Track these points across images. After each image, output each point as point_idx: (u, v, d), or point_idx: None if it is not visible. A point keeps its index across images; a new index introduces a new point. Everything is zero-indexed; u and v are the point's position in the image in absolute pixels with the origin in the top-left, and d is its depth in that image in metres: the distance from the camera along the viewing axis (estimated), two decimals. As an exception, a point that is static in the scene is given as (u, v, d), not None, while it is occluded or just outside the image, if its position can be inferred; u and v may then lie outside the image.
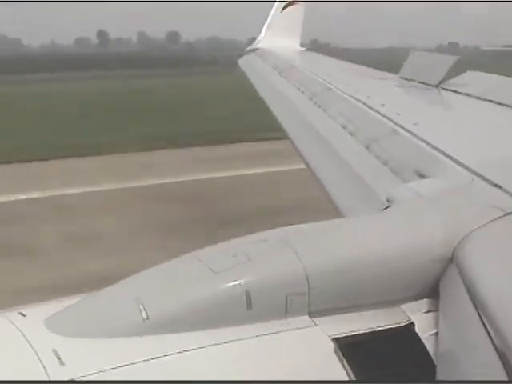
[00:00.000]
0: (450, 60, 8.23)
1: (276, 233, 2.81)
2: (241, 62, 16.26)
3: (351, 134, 6.13)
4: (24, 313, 2.49)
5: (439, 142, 4.63)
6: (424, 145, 4.74)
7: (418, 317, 2.78)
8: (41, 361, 2.23)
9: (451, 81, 7.93)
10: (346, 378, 2.46)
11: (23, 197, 20.55)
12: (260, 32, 18.33)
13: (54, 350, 2.27)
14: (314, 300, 2.60)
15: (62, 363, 2.23)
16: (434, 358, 2.62)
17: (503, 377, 2.21)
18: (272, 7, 18.55)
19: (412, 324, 2.73)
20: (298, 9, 18.03)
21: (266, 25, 18.02)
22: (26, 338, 2.32)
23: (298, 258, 2.61)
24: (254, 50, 17.01)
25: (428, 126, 5.51)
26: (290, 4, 18.06)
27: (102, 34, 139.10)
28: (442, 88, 7.79)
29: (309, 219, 3.13)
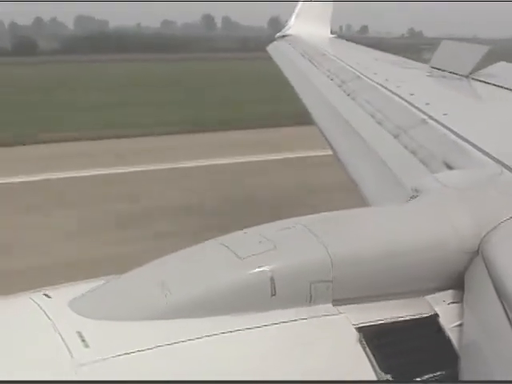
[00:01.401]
0: (481, 50, 8.13)
1: (302, 220, 2.81)
2: (270, 48, 16.18)
3: (380, 122, 6.11)
4: (49, 294, 2.51)
5: (468, 133, 4.59)
6: (453, 135, 4.70)
7: (443, 308, 2.77)
8: (65, 343, 2.24)
9: (482, 71, 7.84)
10: (370, 367, 2.47)
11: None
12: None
13: (79, 332, 2.29)
14: (338, 288, 2.61)
15: (86, 345, 2.24)
16: (457, 350, 2.62)
17: None
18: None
19: (436, 315, 2.72)
20: None
21: (295, 11, 17.91)
22: (50, 319, 2.34)
23: (323, 246, 2.61)
24: (284, 36, 16.92)
25: (457, 116, 5.46)
26: (320, -9, 17.92)
27: (207, 18, 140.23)
28: (473, 78, 7.71)
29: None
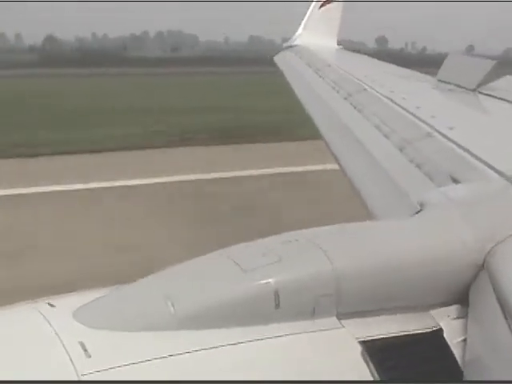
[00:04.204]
0: (488, 64, 8.13)
1: (307, 233, 2.81)
2: (277, 58, 16.20)
3: (385, 135, 6.10)
4: (53, 303, 2.51)
5: (474, 147, 4.59)
6: (459, 149, 4.70)
7: (447, 323, 2.76)
8: (67, 352, 2.24)
9: (489, 85, 7.84)
10: (372, 382, 2.46)
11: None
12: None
13: (81, 342, 2.28)
14: (342, 302, 2.60)
15: (88, 355, 2.24)
16: (461, 365, 2.61)
17: None
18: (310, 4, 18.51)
19: (440, 330, 2.71)
20: (335, 7, 17.94)
21: (303, 22, 17.97)
22: (53, 328, 2.34)
23: (327, 260, 2.61)
24: (291, 46, 16.96)
25: (463, 130, 5.46)
26: (327, 2, 17.97)
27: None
28: (480, 92, 7.71)
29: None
